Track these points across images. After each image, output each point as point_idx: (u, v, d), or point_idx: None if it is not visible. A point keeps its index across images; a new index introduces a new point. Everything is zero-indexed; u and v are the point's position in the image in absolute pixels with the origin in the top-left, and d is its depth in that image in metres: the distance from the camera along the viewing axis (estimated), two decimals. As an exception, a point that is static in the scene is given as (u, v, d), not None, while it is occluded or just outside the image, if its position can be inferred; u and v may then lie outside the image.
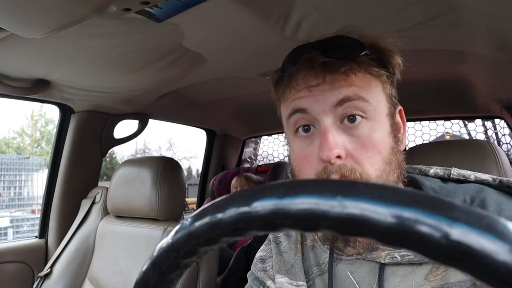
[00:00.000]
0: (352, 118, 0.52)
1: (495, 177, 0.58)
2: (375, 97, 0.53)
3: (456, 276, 0.49)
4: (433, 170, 0.62)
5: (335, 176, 0.51)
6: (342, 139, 0.52)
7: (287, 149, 0.63)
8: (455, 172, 0.60)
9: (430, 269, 0.51)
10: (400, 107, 0.60)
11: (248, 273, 0.71)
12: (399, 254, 0.53)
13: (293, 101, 0.56)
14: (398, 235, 0.18)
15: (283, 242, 0.69)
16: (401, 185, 0.57)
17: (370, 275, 0.55)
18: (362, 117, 0.52)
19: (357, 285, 0.55)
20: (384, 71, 0.54)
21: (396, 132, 0.57)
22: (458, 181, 0.60)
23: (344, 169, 0.51)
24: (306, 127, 0.55)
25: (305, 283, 0.60)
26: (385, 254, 0.54)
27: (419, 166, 0.65)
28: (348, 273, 0.56)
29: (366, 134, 0.52)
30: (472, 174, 0.59)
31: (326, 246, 0.61)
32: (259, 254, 0.72)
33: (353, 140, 0.52)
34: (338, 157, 0.51)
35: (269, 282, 0.65)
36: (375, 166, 0.52)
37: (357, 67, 0.53)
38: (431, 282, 0.51)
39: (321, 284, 0.59)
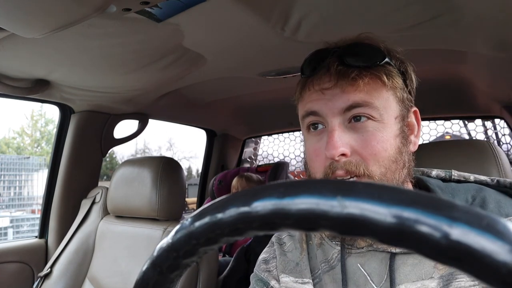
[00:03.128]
0: (358, 118, 0.57)
1: (492, 178, 0.63)
2: (384, 102, 0.57)
3: None
4: (434, 172, 0.67)
5: (340, 172, 0.55)
6: (347, 138, 0.56)
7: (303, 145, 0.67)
8: (456, 173, 0.65)
9: None
10: (415, 108, 0.63)
11: (251, 275, 0.72)
12: None
13: (308, 103, 0.60)
14: (398, 235, 0.18)
15: (287, 242, 0.70)
16: (409, 185, 0.60)
17: (381, 265, 0.57)
18: (368, 118, 0.56)
19: (368, 276, 0.57)
20: (399, 77, 0.59)
21: (407, 133, 0.60)
22: (459, 181, 0.65)
23: (349, 165, 0.55)
24: (316, 125, 0.60)
25: (311, 281, 0.62)
26: None
27: (421, 168, 0.69)
28: (359, 265, 0.58)
29: (371, 132, 0.56)
30: (471, 175, 0.64)
31: (335, 242, 0.63)
32: (262, 256, 0.73)
33: (358, 137, 0.56)
34: (343, 154, 0.55)
35: (273, 282, 0.67)
36: (379, 163, 0.55)
37: (370, 74, 0.56)
38: (440, 270, 0.53)
39: (329, 279, 0.60)
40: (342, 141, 0.55)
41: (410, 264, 0.55)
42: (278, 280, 0.66)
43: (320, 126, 0.59)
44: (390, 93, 0.58)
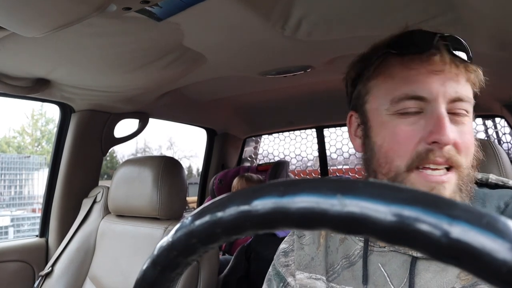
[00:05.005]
0: (459, 113, 0.54)
1: None
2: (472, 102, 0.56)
3: None
4: (481, 175, 0.62)
5: (441, 159, 0.52)
6: (451, 128, 0.53)
7: (361, 132, 0.62)
8: (493, 177, 0.61)
9: None
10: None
11: (271, 268, 0.70)
12: None
13: (410, 84, 0.54)
14: (398, 234, 0.18)
15: (307, 235, 0.68)
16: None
17: (402, 268, 0.54)
18: (466, 116, 0.55)
19: (387, 277, 0.55)
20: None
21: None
22: (497, 186, 0.61)
23: (449, 154, 0.52)
24: (414, 110, 0.55)
25: (323, 277, 0.60)
26: None
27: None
28: (380, 265, 0.56)
29: (467, 132, 0.55)
30: (511, 180, 0.60)
31: (358, 238, 0.60)
32: (282, 245, 0.71)
33: (458, 133, 0.53)
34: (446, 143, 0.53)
35: (290, 279, 0.65)
36: (468, 156, 0.54)
37: (473, 70, 0.56)
38: (463, 281, 0.50)
39: (349, 275, 0.58)
40: (453, 130, 0.52)
41: (432, 271, 0.52)
42: (294, 276, 0.65)
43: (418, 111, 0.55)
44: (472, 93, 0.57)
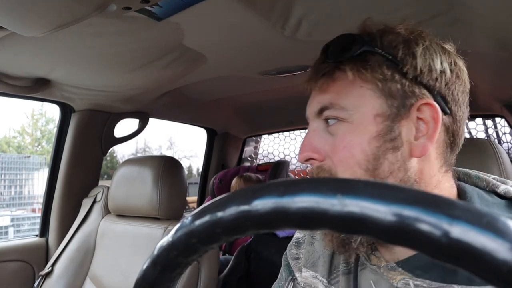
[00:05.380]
0: (329, 121, 0.52)
1: None
2: (355, 100, 0.50)
3: None
4: (504, 187, 0.52)
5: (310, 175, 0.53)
6: (322, 142, 0.52)
7: None
8: None
9: None
10: (426, 101, 0.49)
11: (284, 256, 0.67)
12: (414, 282, 0.48)
13: None
14: (399, 233, 0.18)
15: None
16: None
17: None
18: (339, 120, 0.51)
19: None
20: (388, 65, 0.49)
21: (404, 134, 0.49)
22: None
23: (317, 170, 0.52)
24: None
25: (324, 280, 0.58)
26: (400, 278, 0.49)
27: (491, 179, 0.54)
28: (372, 283, 0.53)
29: (340, 136, 0.50)
30: None
31: None
32: (296, 234, 0.68)
33: (331, 141, 0.51)
34: (309, 159, 0.52)
35: (297, 274, 0.63)
36: (348, 171, 0.50)
37: (341, 69, 0.51)
38: None
39: (345, 282, 0.56)
40: (312, 145, 0.52)
41: None
42: (301, 272, 0.62)
43: None
44: (368, 87, 0.49)
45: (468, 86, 0.54)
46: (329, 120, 0.52)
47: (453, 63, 0.51)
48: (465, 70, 0.53)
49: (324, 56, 0.53)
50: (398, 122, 0.49)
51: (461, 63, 0.53)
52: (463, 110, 0.52)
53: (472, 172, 0.57)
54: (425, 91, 0.49)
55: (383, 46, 0.49)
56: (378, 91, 0.49)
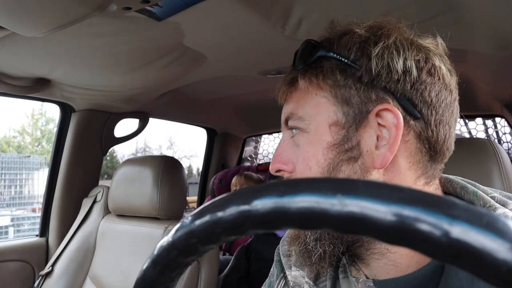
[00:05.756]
0: (293, 130, 0.51)
1: None
2: (310, 109, 0.48)
3: None
4: (501, 211, 0.45)
5: None
6: (290, 154, 0.50)
7: None
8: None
9: None
10: (386, 106, 0.44)
11: (276, 250, 0.65)
12: None
13: None
14: (398, 233, 0.18)
15: None
16: None
17: None
18: (300, 129, 0.49)
19: None
20: (343, 70, 0.46)
21: (363, 143, 0.45)
22: None
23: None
24: None
25: (310, 281, 0.55)
26: None
27: (482, 193, 0.48)
28: None
29: (301, 147, 0.48)
30: None
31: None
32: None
33: (296, 152, 0.49)
34: (280, 171, 0.50)
35: (288, 272, 0.60)
36: None
37: (299, 78, 0.49)
38: None
39: (329, 285, 0.54)
40: (281, 156, 0.50)
41: None
42: (291, 269, 0.59)
43: None
44: (322, 95, 0.47)
45: (451, 84, 0.47)
46: (293, 130, 0.50)
47: (424, 60, 0.45)
48: (444, 67, 0.47)
49: (292, 64, 0.52)
50: (356, 131, 0.45)
51: (439, 59, 0.47)
52: (441, 113, 0.45)
53: (471, 187, 0.49)
54: (384, 95, 0.44)
55: (338, 50, 0.46)
56: (332, 98, 0.46)
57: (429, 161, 0.46)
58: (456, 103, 0.48)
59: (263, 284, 0.64)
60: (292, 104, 0.50)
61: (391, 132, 0.44)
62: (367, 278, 0.49)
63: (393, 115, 0.44)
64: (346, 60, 0.45)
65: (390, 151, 0.44)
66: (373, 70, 0.44)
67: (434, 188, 0.48)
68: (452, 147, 0.49)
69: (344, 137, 0.45)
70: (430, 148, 0.46)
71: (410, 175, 0.45)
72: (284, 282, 0.59)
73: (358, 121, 0.45)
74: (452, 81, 0.48)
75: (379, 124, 0.45)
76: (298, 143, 0.49)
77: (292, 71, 0.51)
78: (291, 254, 0.60)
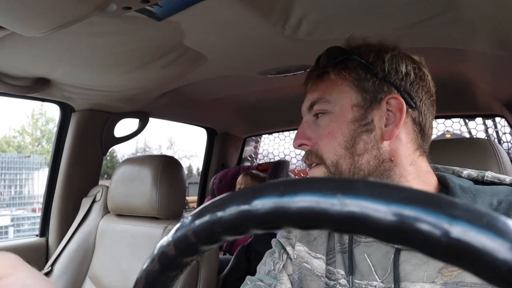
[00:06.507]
0: (317, 115, 0.65)
1: None
2: (337, 95, 0.62)
3: (474, 277, 0.48)
4: (466, 171, 0.64)
5: (306, 161, 0.65)
6: (311, 132, 0.64)
7: None
8: (490, 174, 0.62)
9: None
10: (392, 96, 0.60)
11: (272, 239, 0.76)
12: None
13: None
14: (399, 233, 0.18)
15: None
16: (384, 176, 0.61)
17: (385, 258, 0.57)
18: (323, 113, 0.63)
19: (372, 267, 0.58)
20: (362, 68, 0.62)
21: (376, 121, 0.60)
22: (493, 183, 0.60)
23: (309, 154, 0.64)
24: None
25: (324, 257, 0.64)
26: None
27: (454, 167, 0.67)
28: (365, 255, 0.60)
29: (325, 125, 0.62)
30: (507, 178, 0.60)
31: None
32: None
33: (316, 130, 0.64)
34: (302, 145, 0.64)
35: (288, 248, 0.70)
36: (331, 151, 0.61)
37: (327, 73, 0.63)
38: (445, 277, 0.51)
39: (341, 261, 0.62)
40: (304, 134, 0.64)
41: (413, 264, 0.54)
42: (293, 247, 0.69)
43: None
44: (347, 85, 0.62)
45: (432, 88, 0.64)
46: (319, 115, 0.64)
47: (417, 68, 0.63)
48: (429, 76, 0.64)
49: (316, 64, 0.67)
50: (371, 112, 0.61)
51: (426, 71, 0.64)
52: (428, 107, 0.62)
53: (438, 166, 0.68)
54: (392, 88, 0.61)
55: (359, 54, 0.62)
56: (354, 87, 0.62)
57: (421, 139, 0.62)
58: (434, 101, 0.65)
59: (260, 264, 0.73)
60: (319, 92, 0.64)
61: (396, 115, 0.60)
62: None
63: (398, 102, 0.60)
64: (365, 62, 0.61)
65: (396, 127, 0.59)
66: (386, 70, 0.61)
67: (426, 163, 0.63)
68: (432, 132, 0.65)
69: (362, 115, 0.61)
70: (421, 130, 0.62)
71: (410, 147, 0.61)
72: (286, 255, 0.71)
73: (373, 104, 0.61)
74: (432, 86, 0.64)
75: (387, 109, 0.60)
76: (320, 124, 0.63)
77: (316, 68, 0.66)
78: (290, 237, 0.71)
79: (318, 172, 0.62)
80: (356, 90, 0.61)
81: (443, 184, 0.61)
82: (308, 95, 0.67)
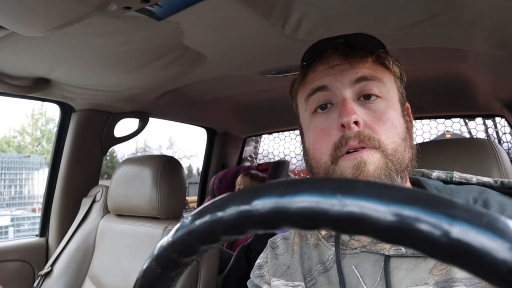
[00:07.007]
0: (367, 96, 0.57)
1: (496, 179, 0.61)
2: (389, 83, 0.59)
3: (462, 272, 0.48)
4: (435, 173, 0.66)
5: (353, 142, 0.54)
6: (361, 112, 0.56)
7: (301, 141, 0.67)
8: (457, 175, 0.63)
9: (435, 263, 0.52)
10: (407, 105, 0.63)
11: (248, 281, 0.72)
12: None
13: (314, 82, 0.60)
14: (398, 233, 0.18)
15: (280, 245, 0.70)
16: (407, 183, 0.60)
17: (374, 267, 0.55)
18: (377, 96, 0.57)
19: (360, 278, 0.56)
20: (398, 68, 0.61)
21: (407, 118, 0.61)
22: (460, 183, 0.63)
23: (362, 135, 0.54)
24: (324, 105, 0.59)
25: (302, 283, 0.61)
26: (390, 246, 0.53)
27: (422, 169, 0.67)
28: (353, 267, 0.57)
29: (382, 110, 0.57)
30: (474, 177, 0.62)
31: (330, 243, 0.61)
32: (257, 261, 0.73)
33: (370, 113, 0.56)
34: (356, 123, 0.54)
35: (265, 287, 0.67)
36: (390, 139, 0.55)
37: (375, 57, 0.59)
38: (436, 276, 0.51)
39: (325, 281, 0.59)
40: (356, 113, 0.55)
41: (404, 269, 0.53)
42: (269, 284, 0.66)
43: (328, 106, 0.59)
44: (392, 78, 0.60)
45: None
46: (367, 96, 0.57)
47: (402, 73, 0.63)
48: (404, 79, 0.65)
49: (352, 43, 0.60)
50: (405, 109, 0.61)
51: (404, 76, 0.65)
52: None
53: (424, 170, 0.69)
54: (403, 91, 0.62)
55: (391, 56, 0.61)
56: (396, 83, 0.61)
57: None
58: None
59: (254, 267, 0.71)
60: (369, 70, 0.58)
61: (409, 121, 0.61)
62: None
63: (408, 111, 0.62)
64: (398, 63, 0.61)
65: (410, 124, 0.62)
66: (402, 74, 0.62)
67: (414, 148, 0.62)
68: None
69: (403, 111, 0.60)
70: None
71: (411, 134, 0.62)
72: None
73: (404, 105, 0.61)
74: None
75: (403, 113, 0.60)
76: (377, 108, 0.57)
77: (353, 48, 0.60)
78: (263, 275, 0.68)
79: (375, 156, 0.53)
80: (397, 87, 0.61)
81: (419, 186, 0.62)
82: (351, 69, 0.58)
